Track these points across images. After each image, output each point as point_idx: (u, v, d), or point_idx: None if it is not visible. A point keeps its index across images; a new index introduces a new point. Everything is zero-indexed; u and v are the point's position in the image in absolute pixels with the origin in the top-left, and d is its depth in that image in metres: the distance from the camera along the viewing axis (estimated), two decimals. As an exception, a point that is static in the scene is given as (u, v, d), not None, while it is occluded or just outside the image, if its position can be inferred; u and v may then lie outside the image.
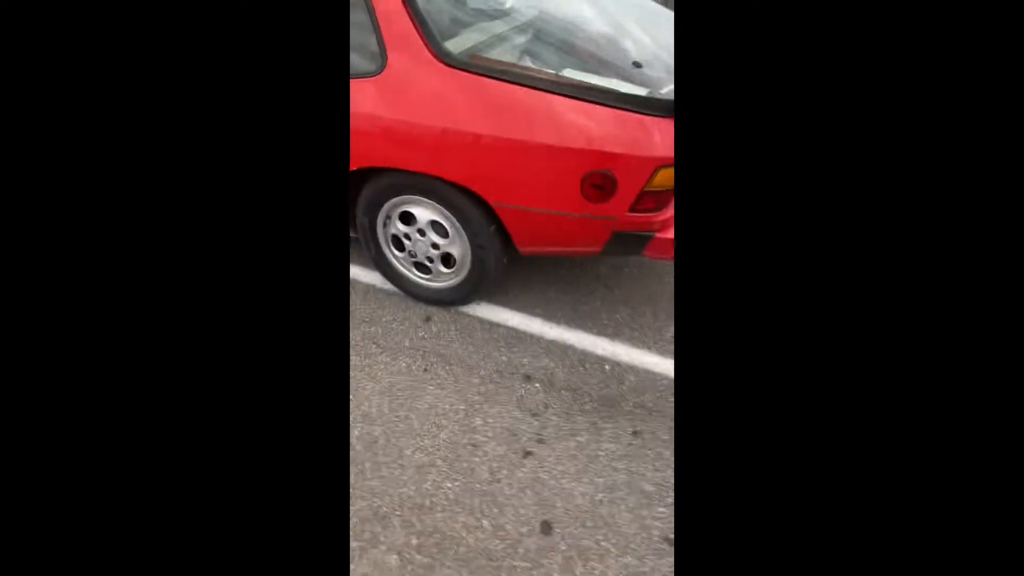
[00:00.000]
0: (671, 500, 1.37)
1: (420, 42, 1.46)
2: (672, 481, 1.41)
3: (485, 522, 1.32)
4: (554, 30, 1.74)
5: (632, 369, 1.72)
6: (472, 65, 1.43)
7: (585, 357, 1.75)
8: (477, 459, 1.45)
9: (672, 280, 2.06)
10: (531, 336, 1.82)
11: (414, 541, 1.27)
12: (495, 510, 1.34)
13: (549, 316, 1.90)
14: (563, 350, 1.77)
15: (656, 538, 1.30)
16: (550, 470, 1.43)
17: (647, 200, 1.47)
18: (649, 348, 1.79)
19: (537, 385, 1.66)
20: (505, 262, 1.76)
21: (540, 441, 1.50)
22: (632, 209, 1.47)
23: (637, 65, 1.55)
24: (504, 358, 1.74)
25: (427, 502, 1.35)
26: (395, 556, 1.25)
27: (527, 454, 1.47)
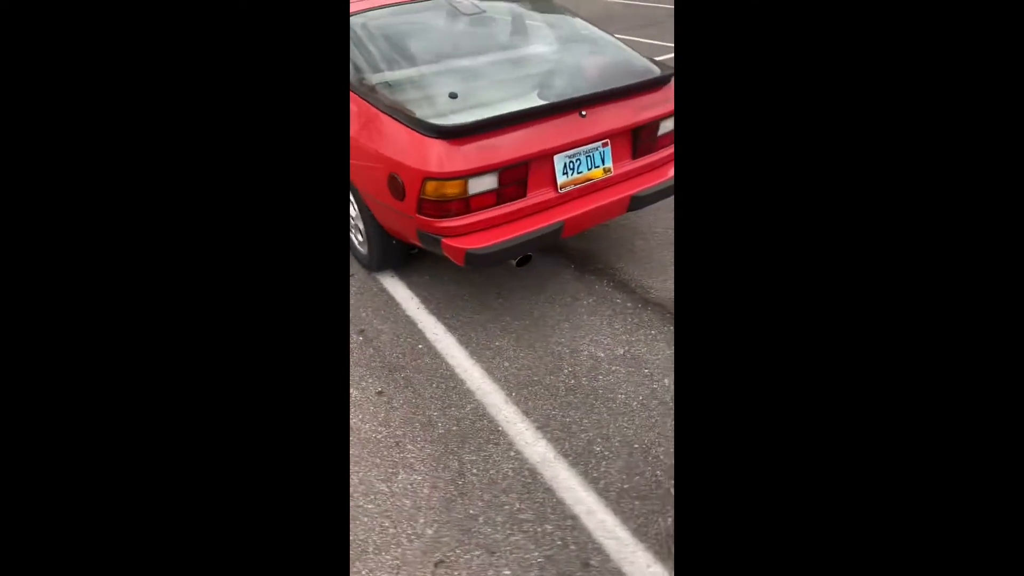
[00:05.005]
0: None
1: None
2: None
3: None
4: (442, 74, 2.06)
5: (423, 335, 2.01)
6: (354, 87, 1.95)
7: (412, 331, 2.10)
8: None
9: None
10: (398, 306, 2.24)
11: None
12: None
13: (423, 298, 2.27)
14: (407, 323, 2.15)
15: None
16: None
17: (427, 206, 1.77)
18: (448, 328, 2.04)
19: (360, 338, 2.10)
20: (394, 243, 2.20)
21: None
22: (419, 212, 1.79)
23: (452, 96, 1.83)
24: (364, 314, 2.21)
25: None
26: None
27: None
